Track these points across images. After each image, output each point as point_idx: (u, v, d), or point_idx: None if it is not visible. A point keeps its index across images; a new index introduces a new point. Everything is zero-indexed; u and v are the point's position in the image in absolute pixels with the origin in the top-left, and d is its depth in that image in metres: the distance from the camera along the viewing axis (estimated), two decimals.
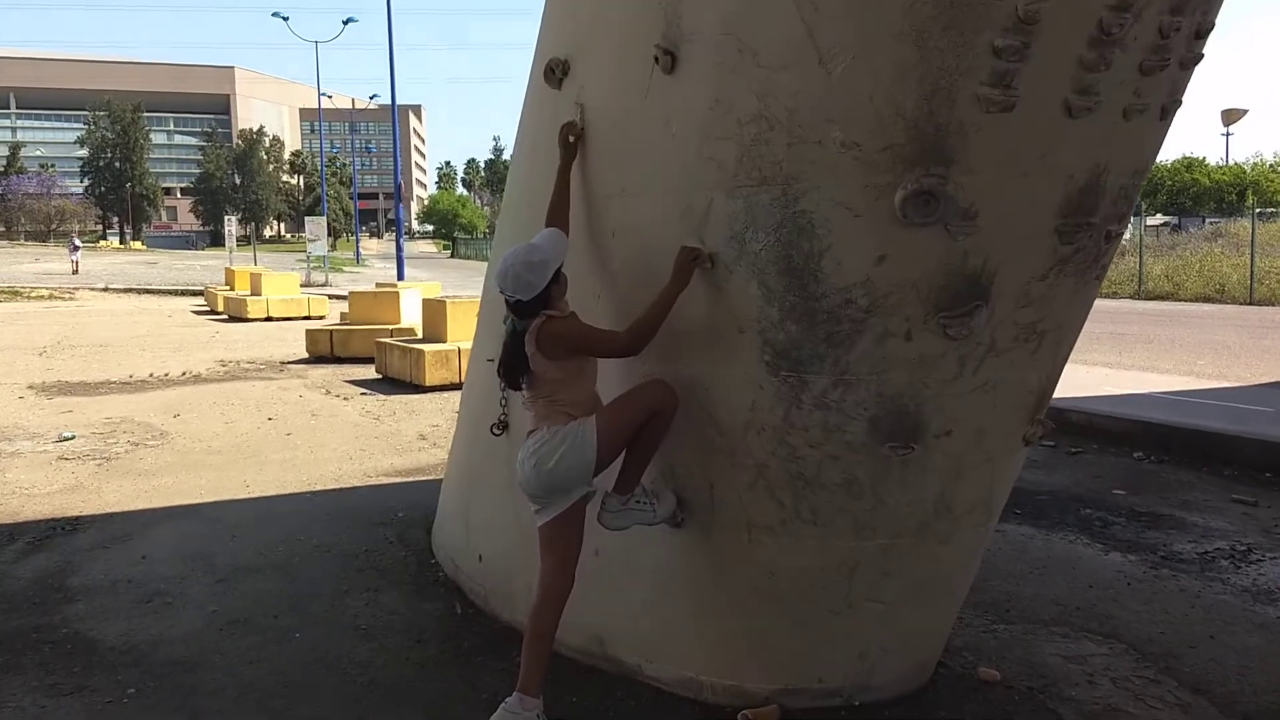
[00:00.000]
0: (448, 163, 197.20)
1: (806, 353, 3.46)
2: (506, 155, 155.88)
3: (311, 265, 39.46)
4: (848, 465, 3.60)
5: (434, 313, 13.44)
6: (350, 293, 17.56)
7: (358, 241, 72.53)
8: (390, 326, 15.63)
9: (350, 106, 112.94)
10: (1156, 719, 4.04)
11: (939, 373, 3.44)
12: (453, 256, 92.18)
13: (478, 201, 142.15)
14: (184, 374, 14.18)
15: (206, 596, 5.49)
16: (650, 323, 3.60)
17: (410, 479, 8.16)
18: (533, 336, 3.68)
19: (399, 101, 36.04)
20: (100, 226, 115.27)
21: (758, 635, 4.03)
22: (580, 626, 4.51)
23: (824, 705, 4.08)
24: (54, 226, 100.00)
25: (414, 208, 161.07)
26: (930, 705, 4.18)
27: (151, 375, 14.04)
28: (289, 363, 15.60)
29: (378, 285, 20.18)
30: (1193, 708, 4.14)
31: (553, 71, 4.14)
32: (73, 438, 9.73)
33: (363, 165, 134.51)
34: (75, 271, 38.55)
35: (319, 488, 7.89)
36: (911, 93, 3.04)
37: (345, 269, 53.46)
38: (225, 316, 23.71)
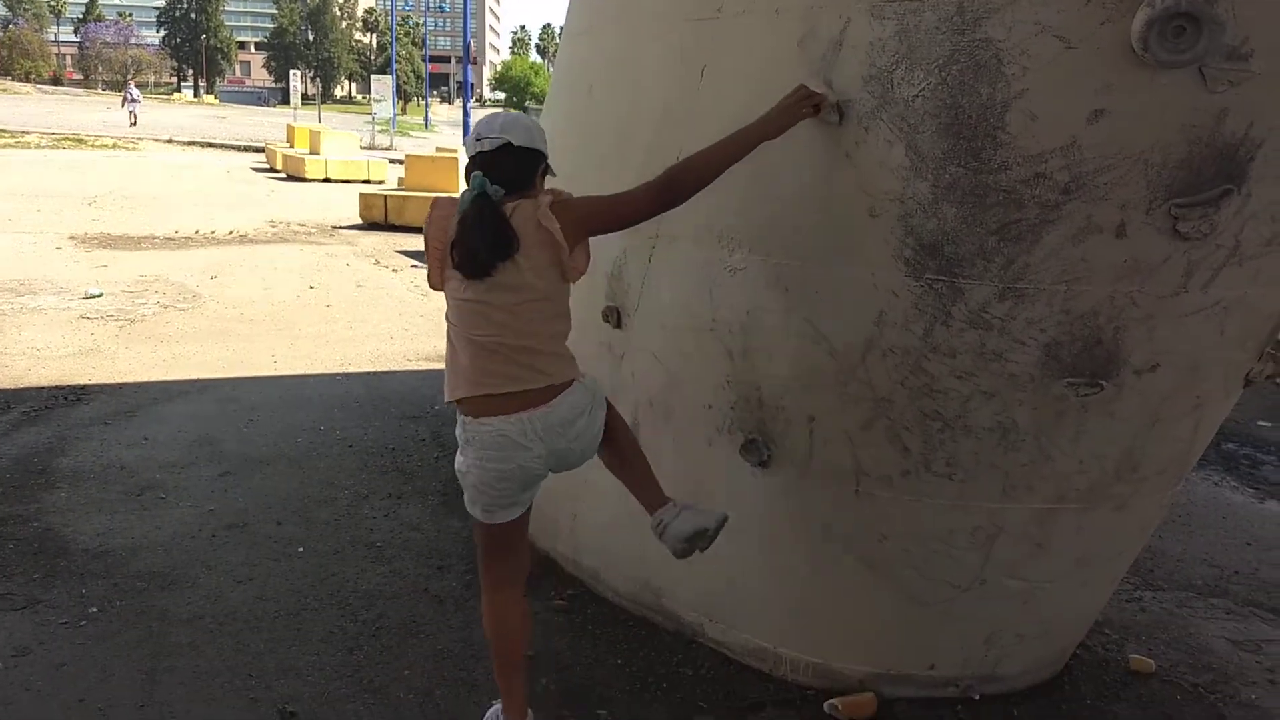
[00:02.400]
0: (522, 27, 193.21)
1: (967, 249, 2.46)
2: None
3: (377, 127, 38.40)
4: (1006, 405, 2.63)
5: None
6: (407, 156, 16.55)
7: (427, 105, 70.85)
8: (449, 194, 14.68)
9: None
10: None
11: (1156, 285, 2.43)
12: None
13: (550, 69, 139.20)
14: (231, 233, 13.42)
15: (206, 492, 4.73)
16: (701, 165, 2.53)
17: None
18: (549, 210, 2.59)
19: None
20: (175, 79, 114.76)
21: (855, 608, 3.14)
22: (630, 570, 3.66)
23: (933, 696, 3.21)
24: (130, 76, 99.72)
25: (485, 73, 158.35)
26: (1069, 703, 3.29)
27: (197, 232, 13.30)
28: (341, 228, 14.77)
29: (438, 149, 19.20)
30: None
31: None
32: (100, 295, 9.02)
33: (436, 26, 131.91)
34: (133, 124, 37.59)
35: (352, 369, 7.09)
36: None
37: (412, 133, 52.29)
38: (284, 175, 22.86)
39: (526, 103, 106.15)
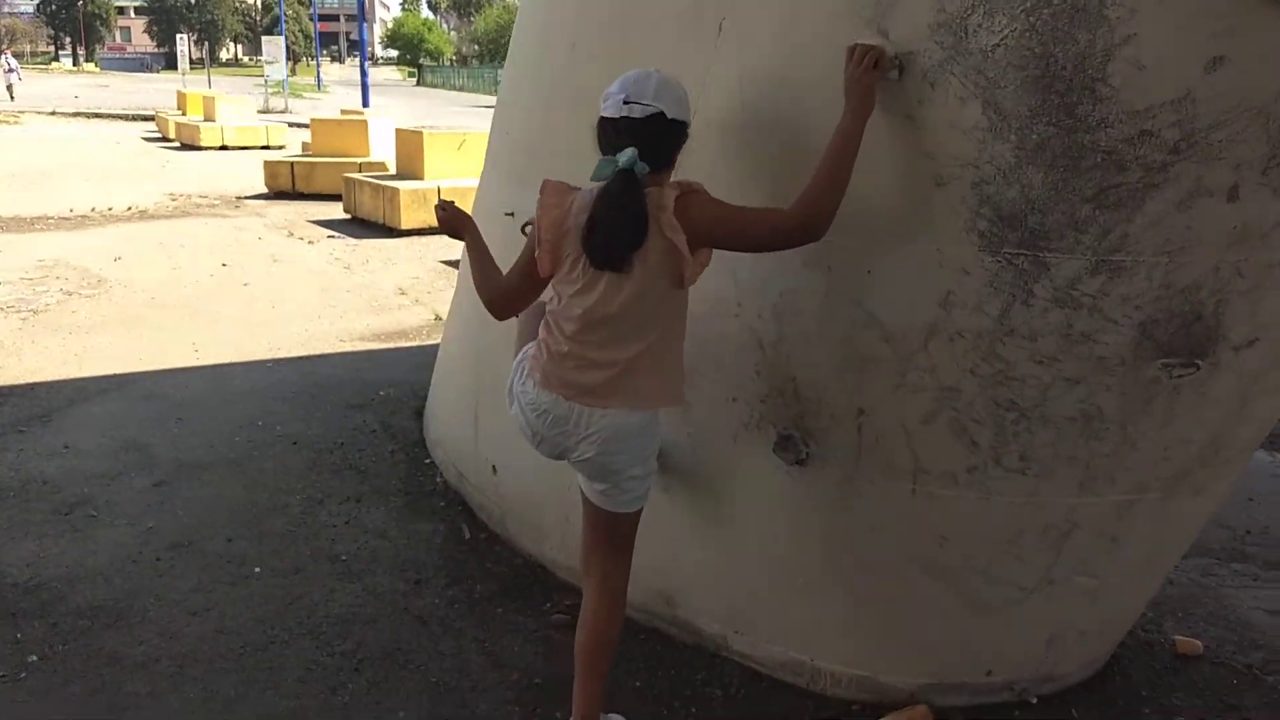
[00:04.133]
0: None
1: (1056, 219, 2.16)
2: None
3: (270, 90, 36.92)
4: (1091, 391, 2.35)
5: (409, 145, 11.85)
6: (313, 120, 15.72)
7: (318, 66, 68.54)
8: (359, 160, 13.97)
9: None
10: None
11: (1265, 252, 2.16)
12: (419, 84, 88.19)
13: (444, 25, 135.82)
14: (130, 209, 12.58)
15: (142, 507, 4.25)
16: (830, 187, 2.19)
17: (391, 344, 6.87)
18: (673, 206, 2.29)
19: None
20: (52, 47, 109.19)
21: (908, 616, 2.85)
22: (639, 577, 3.32)
23: (989, 702, 2.96)
24: (6, 46, 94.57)
25: (377, 31, 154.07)
26: (1124, 697, 3.07)
27: (94, 210, 12.43)
28: (246, 198, 13.98)
29: (343, 112, 18.39)
30: None
31: None
32: None
33: None
34: (12, 97, 35.16)
35: (282, 354, 6.57)
36: None
37: (305, 95, 50.37)
38: (177, 144, 21.62)
39: (421, 60, 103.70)
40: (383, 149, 14.62)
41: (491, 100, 55.68)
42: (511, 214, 3.61)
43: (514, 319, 2.87)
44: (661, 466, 2.92)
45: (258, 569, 3.75)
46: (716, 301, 2.71)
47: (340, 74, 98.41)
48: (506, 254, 3.70)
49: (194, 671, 3.13)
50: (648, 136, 2.32)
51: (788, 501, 2.81)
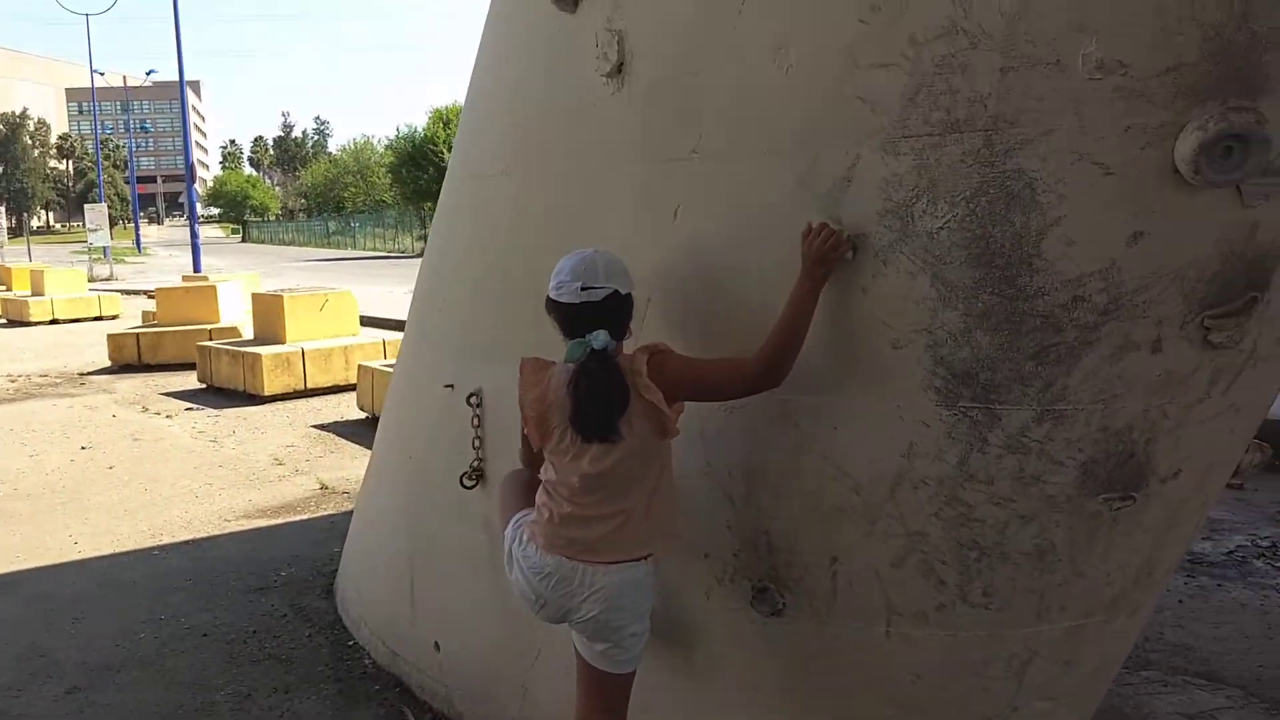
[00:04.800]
0: (232, 141, 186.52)
1: (1003, 375, 2.41)
2: (298, 131, 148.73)
3: (93, 258, 35.82)
4: (1043, 527, 2.58)
5: (268, 309, 11.74)
6: (158, 289, 15.38)
7: (138, 229, 66.94)
8: (209, 326, 13.72)
9: (123, 84, 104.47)
10: None
11: (1185, 395, 2.45)
12: (244, 241, 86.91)
13: (268, 181, 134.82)
14: None
15: (59, 719, 4.02)
16: (786, 343, 2.44)
17: (279, 520, 6.70)
18: (646, 369, 2.51)
19: (175, 77, 32.83)
20: None
21: None
22: None
23: None
24: None
25: (198, 190, 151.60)
26: None
27: None
28: (89, 373, 13.47)
29: (185, 279, 18.02)
30: None
31: None
32: None
33: (138, 146, 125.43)
34: None
35: (167, 540, 6.34)
36: None
37: (127, 259, 49.07)
38: (3, 320, 20.77)
39: (246, 216, 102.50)
40: (234, 313, 14.41)
41: (323, 252, 55.24)
42: (451, 386, 3.69)
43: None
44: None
45: None
46: (685, 460, 2.86)
47: (160, 235, 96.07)
48: (444, 424, 3.79)
49: None
50: (609, 315, 2.56)
51: (765, 652, 2.93)
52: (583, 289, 2.54)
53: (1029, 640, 2.76)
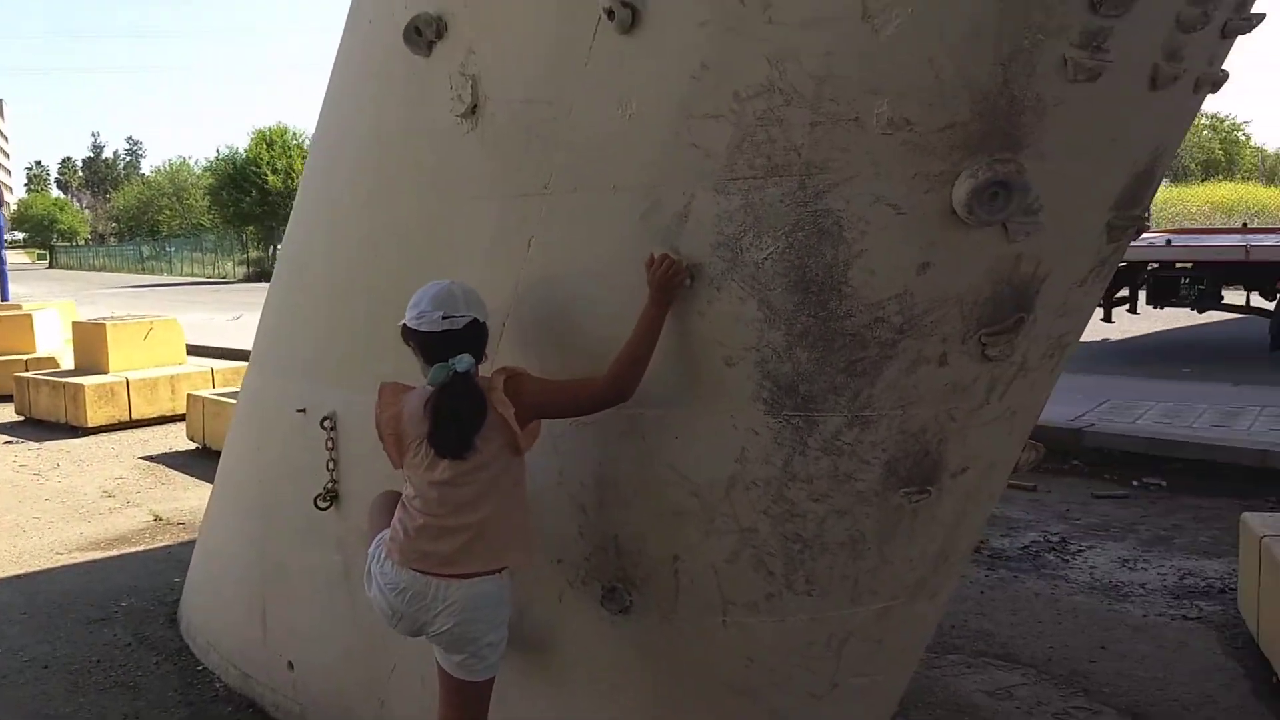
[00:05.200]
0: (38, 163, 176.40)
1: (820, 386, 2.76)
2: (109, 152, 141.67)
3: None
4: (856, 520, 2.94)
5: (90, 338, 11.36)
6: None
7: None
8: (24, 357, 13.13)
9: None
10: None
11: (968, 401, 2.86)
12: (51, 267, 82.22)
13: (77, 204, 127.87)
14: None
15: None
16: (632, 362, 2.73)
17: (114, 552, 6.58)
18: (502, 387, 2.78)
19: None
20: None
21: None
22: None
23: None
24: None
25: (4, 213, 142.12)
26: None
27: None
28: None
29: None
30: None
31: (419, 33, 3.15)
32: None
33: None
34: None
35: None
36: (986, 56, 2.42)
37: None
38: None
39: (53, 241, 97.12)
40: (51, 343, 13.83)
41: (137, 278, 52.87)
42: (303, 410, 3.84)
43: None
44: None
45: None
46: (540, 472, 3.11)
47: None
48: (295, 448, 3.94)
49: None
50: (470, 341, 2.82)
51: (615, 649, 3.20)
52: (444, 318, 2.79)
53: (845, 622, 3.12)
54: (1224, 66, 2.83)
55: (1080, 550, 6.09)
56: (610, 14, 2.67)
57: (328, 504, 3.73)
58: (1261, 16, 2.73)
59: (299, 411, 3.86)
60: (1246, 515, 4.88)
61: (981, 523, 3.33)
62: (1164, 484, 7.47)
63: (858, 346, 2.71)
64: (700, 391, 2.87)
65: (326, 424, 3.74)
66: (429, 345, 2.82)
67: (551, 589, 3.23)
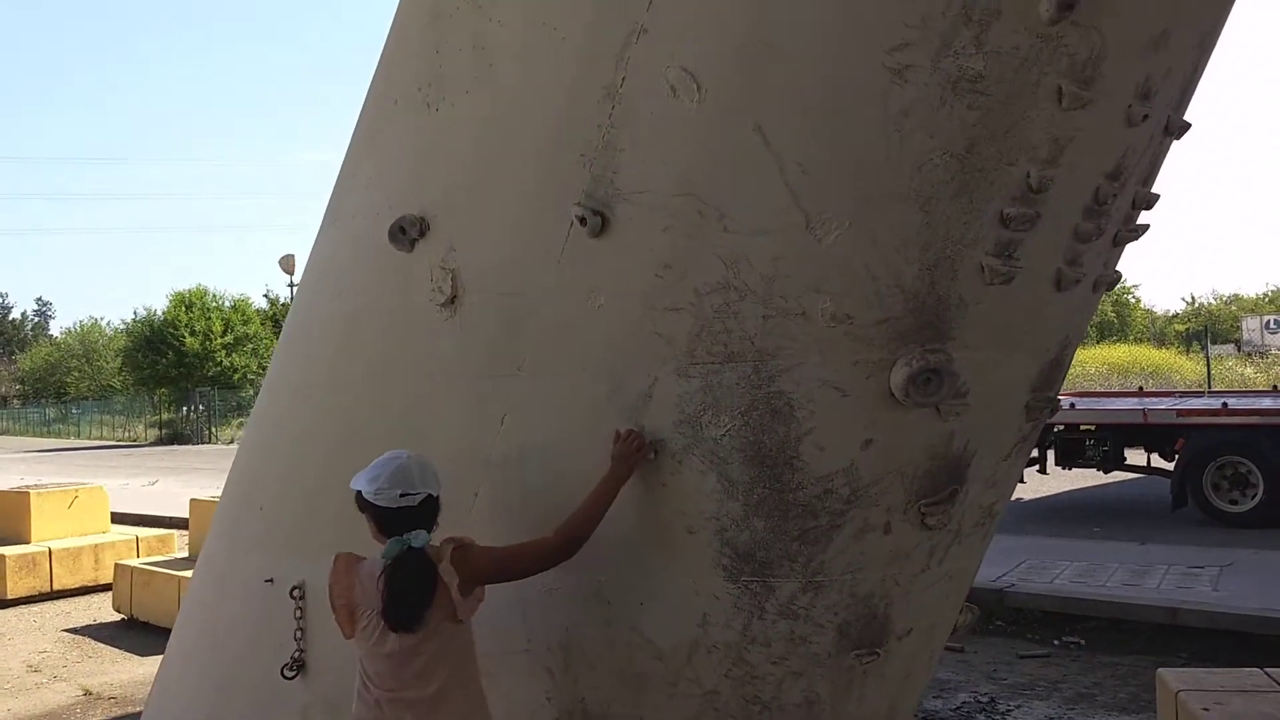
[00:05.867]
0: None
1: (775, 553, 3.00)
2: (16, 313, 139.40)
3: None
4: (811, 681, 3.15)
5: (12, 506, 11.12)
6: None
7: None
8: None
9: None
10: None
11: (911, 566, 3.13)
12: None
13: None
14: None
15: None
16: (585, 521, 2.95)
17: None
18: (450, 557, 2.92)
19: None
20: None
21: None
22: None
23: None
24: None
25: None
26: None
27: None
28: None
29: None
30: None
31: (403, 232, 3.44)
32: None
33: None
34: None
35: None
36: (914, 262, 2.78)
37: None
38: None
39: None
40: None
41: (44, 442, 51.34)
42: (271, 580, 3.94)
43: None
44: None
45: None
46: (507, 639, 3.28)
47: None
48: (259, 618, 4.02)
49: None
50: (424, 516, 2.98)
51: None
52: (401, 495, 2.93)
53: None
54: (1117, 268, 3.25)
55: (1009, 710, 6.30)
56: (583, 221, 2.99)
57: (294, 673, 3.79)
58: (1146, 227, 3.16)
59: (267, 581, 3.96)
60: (1162, 671, 5.14)
61: (925, 680, 3.55)
62: (1082, 642, 7.76)
63: (809, 516, 2.97)
64: (663, 558, 3.09)
65: (295, 593, 3.84)
66: (384, 519, 2.96)
67: None
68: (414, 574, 2.87)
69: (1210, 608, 7.88)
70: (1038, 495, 14.52)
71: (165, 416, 49.00)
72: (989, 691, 6.65)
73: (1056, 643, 7.79)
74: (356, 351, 3.75)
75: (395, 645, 2.88)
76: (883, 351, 2.85)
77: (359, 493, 3.00)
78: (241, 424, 38.66)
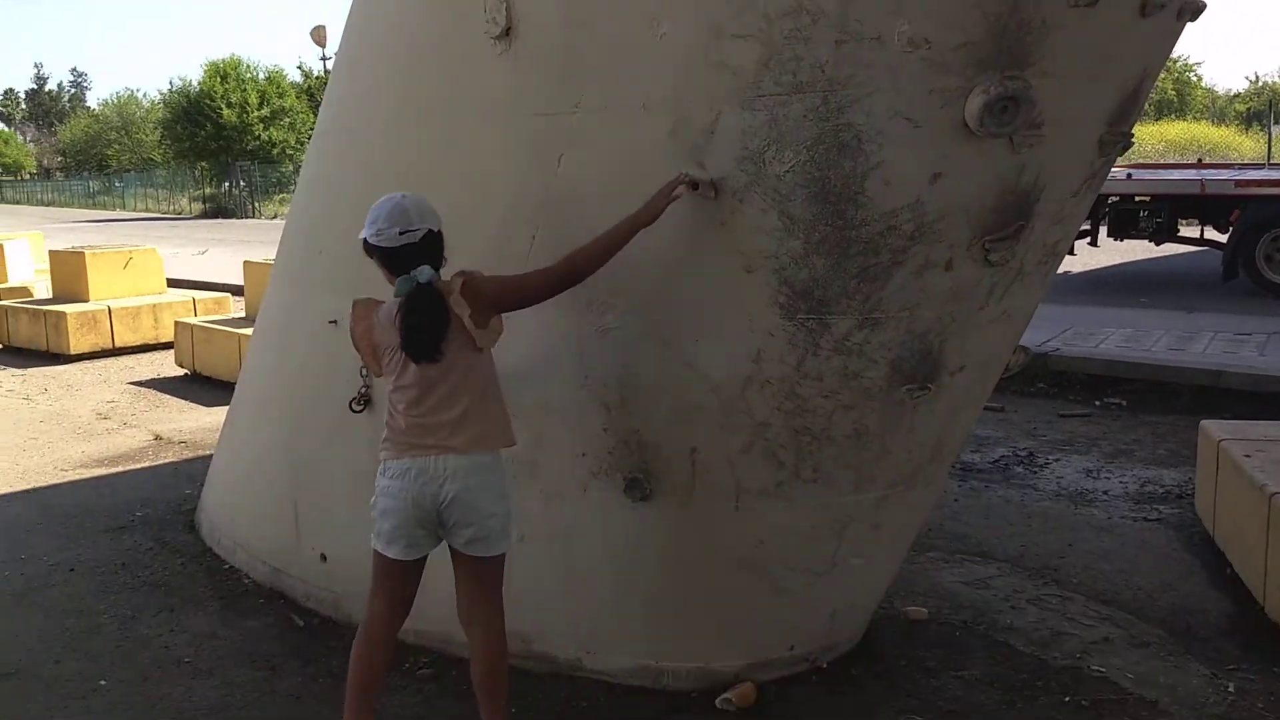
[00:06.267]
0: None
1: (834, 291, 3.02)
2: (53, 83, 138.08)
3: None
4: (861, 414, 3.22)
5: (69, 267, 11.36)
6: None
7: None
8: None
9: None
10: (1098, 635, 4.08)
11: (969, 304, 3.13)
12: None
13: (21, 137, 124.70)
14: None
15: None
16: (594, 252, 3.01)
17: (119, 469, 6.75)
18: (459, 290, 2.98)
19: None
20: None
21: (730, 610, 3.60)
22: None
23: (793, 673, 3.74)
24: None
25: None
26: (886, 654, 3.96)
27: None
28: None
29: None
30: (1117, 619, 4.23)
31: None
32: None
33: None
34: None
35: (4, 490, 6.32)
36: None
37: None
38: None
39: None
40: (21, 273, 13.77)
41: (90, 214, 52.01)
42: (335, 322, 4.03)
43: None
44: (515, 518, 3.51)
45: (103, 682, 3.86)
46: (566, 376, 3.37)
47: None
48: (325, 358, 4.14)
49: None
50: (428, 252, 3.02)
51: (633, 532, 3.47)
52: (401, 233, 2.97)
53: (848, 507, 3.42)
54: None
55: (1047, 463, 6.45)
56: None
57: (361, 407, 3.95)
58: None
59: (331, 323, 4.06)
60: (1205, 423, 5.24)
61: (973, 419, 3.63)
62: (1124, 403, 7.86)
63: (871, 253, 2.96)
64: (721, 297, 3.11)
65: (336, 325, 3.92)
66: (390, 259, 3.01)
67: (576, 480, 3.49)
68: (426, 307, 2.95)
69: (1256, 370, 7.91)
70: (1087, 268, 14.40)
71: (208, 191, 49.17)
72: (1028, 447, 6.80)
73: (1098, 404, 7.90)
74: (413, 90, 3.69)
75: (418, 377, 2.99)
76: (959, 79, 2.76)
77: (364, 240, 3.04)
78: (284, 200, 38.79)
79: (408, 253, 2.96)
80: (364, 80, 4.06)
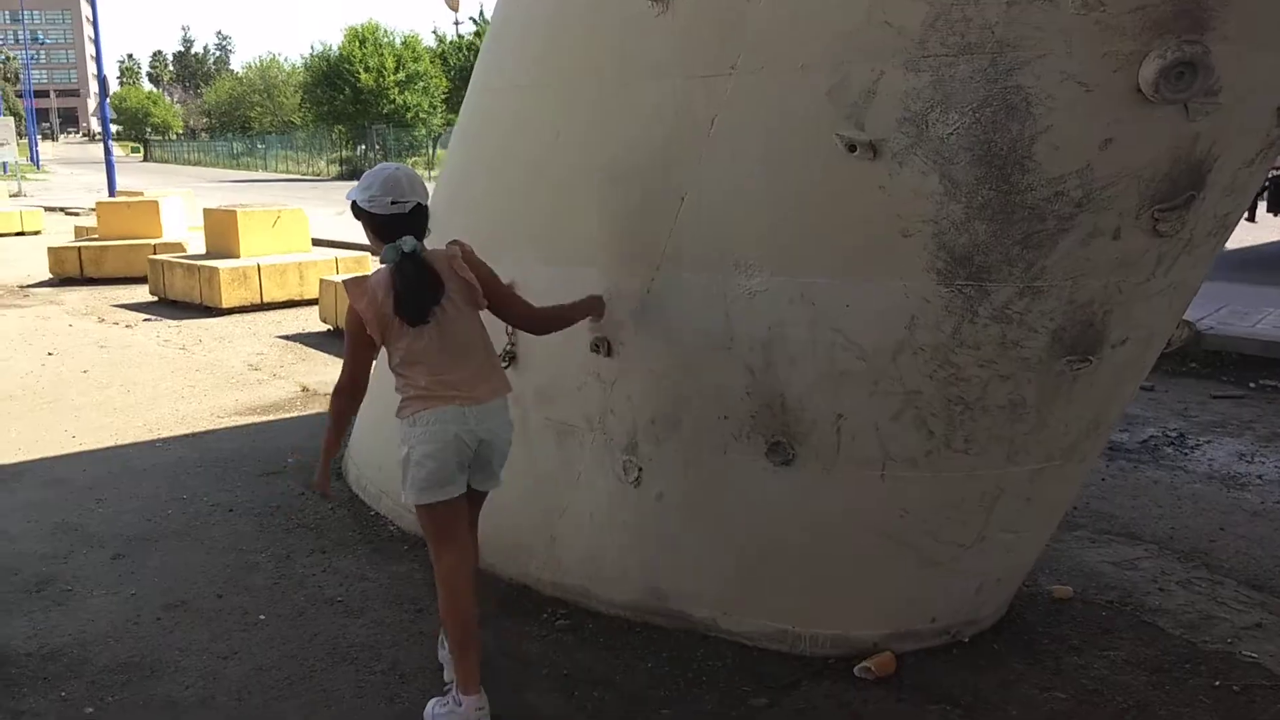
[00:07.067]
0: (130, 55, 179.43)
1: (995, 257, 2.95)
2: (198, 47, 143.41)
3: (11, 175, 34.75)
4: (1018, 385, 3.15)
5: (221, 224, 11.87)
6: (99, 204, 15.30)
7: (34, 145, 64.42)
8: (152, 241, 13.75)
9: None
10: (1250, 621, 3.93)
11: (1136, 274, 3.03)
12: (145, 160, 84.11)
13: (169, 98, 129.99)
14: None
15: (113, 579, 4.42)
16: (562, 319, 3.51)
17: (272, 418, 7.05)
18: (462, 255, 3.19)
19: None
20: None
21: (871, 578, 3.58)
22: (630, 580, 3.91)
23: (933, 645, 3.71)
24: None
25: (90, 106, 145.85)
26: (1030, 631, 3.89)
27: None
28: (30, 286, 13.46)
29: (123, 194, 17.84)
30: (1271, 606, 4.07)
31: None
32: None
33: (29, 59, 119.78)
34: None
35: (166, 434, 6.67)
36: None
37: (29, 176, 47.46)
38: None
39: (147, 134, 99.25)
40: (175, 230, 14.44)
41: (233, 174, 54.01)
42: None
43: None
44: (654, 475, 3.60)
45: (262, 616, 4.05)
46: (709, 337, 3.38)
47: (55, 152, 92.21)
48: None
49: (255, 702, 3.45)
50: (414, 223, 3.14)
51: (774, 496, 3.48)
52: (393, 203, 3.10)
53: (999, 480, 3.36)
54: None
55: (1198, 444, 6.21)
56: None
57: (507, 363, 4.03)
58: None
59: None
60: None
61: (1132, 393, 3.51)
62: None
63: (1036, 219, 2.89)
64: (874, 261, 3.07)
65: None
66: (378, 226, 3.14)
67: (717, 442, 3.50)
68: (414, 273, 3.06)
69: None
70: (1243, 245, 13.73)
71: (344, 154, 50.56)
72: (1178, 428, 6.55)
73: (1253, 385, 7.56)
74: (561, 51, 3.72)
75: (426, 336, 3.11)
76: (1135, 42, 2.65)
77: (354, 202, 3.17)
78: (415, 163, 39.63)
79: (396, 222, 3.10)
80: (515, 40, 4.11)
